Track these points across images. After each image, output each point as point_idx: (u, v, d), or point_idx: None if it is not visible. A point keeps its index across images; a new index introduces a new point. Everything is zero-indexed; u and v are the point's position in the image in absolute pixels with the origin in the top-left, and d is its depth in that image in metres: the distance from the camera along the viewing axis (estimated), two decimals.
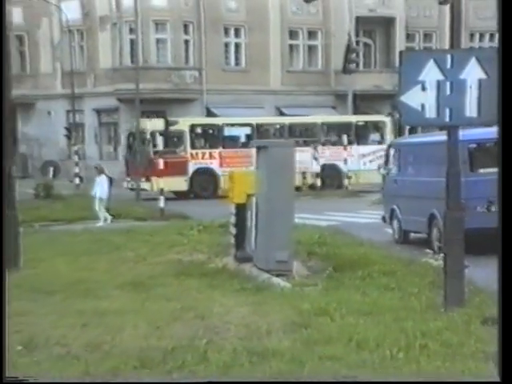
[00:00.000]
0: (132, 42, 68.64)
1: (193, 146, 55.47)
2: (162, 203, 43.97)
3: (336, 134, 56.58)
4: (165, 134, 53.72)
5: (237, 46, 72.03)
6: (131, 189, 55.99)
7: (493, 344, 10.29)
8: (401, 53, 18.86)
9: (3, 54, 28.07)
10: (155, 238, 30.19)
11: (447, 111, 16.50)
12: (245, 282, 21.09)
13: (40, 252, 26.03)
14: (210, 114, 69.00)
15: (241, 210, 23.42)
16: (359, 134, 58.80)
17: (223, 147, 55.71)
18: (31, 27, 75.09)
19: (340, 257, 23.39)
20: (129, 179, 57.30)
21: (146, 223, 37.52)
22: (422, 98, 16.61)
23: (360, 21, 72.14)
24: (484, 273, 17.78)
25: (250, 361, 12.95)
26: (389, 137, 58.63)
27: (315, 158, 53.72)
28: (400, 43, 73.32)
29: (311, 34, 73.22)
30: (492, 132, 17.59)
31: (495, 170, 18.86)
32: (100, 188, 41.77)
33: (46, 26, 76.74)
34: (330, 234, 28.88)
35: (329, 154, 55.84)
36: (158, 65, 68.45)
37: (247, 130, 58.44)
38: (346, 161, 54.11)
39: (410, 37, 73.11)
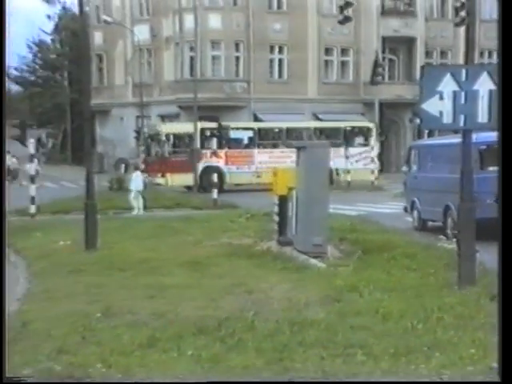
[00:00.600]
0: (191, 59, 68.67)
1: (202, 147, 53.87)
2: (215, 194, 43.81)
3: (326, 137, 55.26)
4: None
5: (280, 61, 71.87)
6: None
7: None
8: (422, 67, 19.08)
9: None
10: (210, 225, 30.30)
11: (462, 117, 16.68)
12: (286, 262, 21.11)
13: (113, 235, 26.19)
14: (256, 119, 68.91)
15: (283, 201, 23.52)
16: (347, 138, 57.59)
17: (229, 148, 55.03)
18: (109, 47, 75.62)
19: (368, 241, 23.40)
20: (146, 175, 53.77)
21: (201, 212, 37.38)
22: (440, 106, 16.80)
23: (386, 40, 71.89)
24: (492, 257, 17.73)
25: (291, 330, 13.06)
26: (373, 141, 58.99)
27: None
28: (420, 59, 73.01)
29: (344, 52, 73.05)
30: (494, 136, 18.12)
31: (497, 168, 19.23)
32: (135, 182, 41.80)
33: (121, 46, 77.13)
34: (359, 222, 28.91)
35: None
36: (212, 77, 68.40)
37: (250, 134, 58.07)
38: (334, 161, 53.28)
39: (428, 54, 72.70)
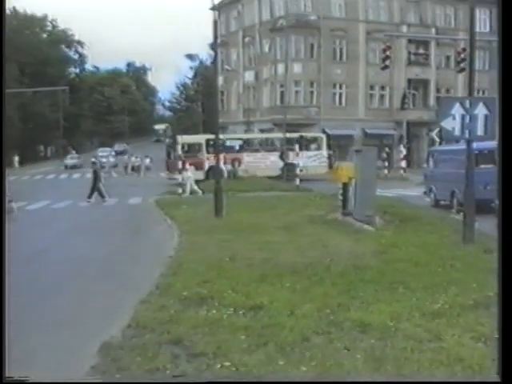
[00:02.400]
0: (281, 92, 68.56)
1: (207, 152, 51.63)
2: (297, 182, 43.65)
3: (293, 144, 53.75)
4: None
5: (340, 94, 71.27)
6: (169, 178, 53.30)
7: (491, 264, 10.03)
8: (442, 98, 19.23)
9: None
10: (295, 202, 30.21)
11: (467, 131, 17.22)
12: (348, 227, 21.14)
13: (232, 208, 26.23)
14: (324, 132, 68.24)
15: (345, 186, 23.53)
16: (307, 144, 55.73)
17: (225, 153, 49.84)
18: (228, 86, 75.90)
19: (402, 214, 23.23)
20: (167, 172, 55.35)
21: (288, 193, 37.12)
22: (452, 124, 16.98)
23: (410, 81, 71.09)
24: (485, 224, 17.68)
25: (355, 271, 13.04)
26: (324, 146, 57.16)
27: (282, 159, 52.70)
28: (433, 94, 72.36)
29: (382, 88, 72.27)
30: (489, 144, 18.49)
31: (489, 166, 19.04)
32: (189, 172, 42.16)
33: (235, 85, 77.38)
34: (395, 201, 28.77)
35: (289, 156, 52.20)
36: (295, 104, 68.06)
37: (240, 142, 56.14)
38: (299, 160, 52.41)
39: (438, 90, 71.60)
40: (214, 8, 36.25)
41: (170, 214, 27.21)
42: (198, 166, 49.85)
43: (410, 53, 72.60)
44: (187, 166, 43.74)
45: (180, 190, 39.86)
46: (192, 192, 39.86)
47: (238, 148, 55.02)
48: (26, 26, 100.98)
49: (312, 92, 70.15)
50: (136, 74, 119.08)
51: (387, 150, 58.30)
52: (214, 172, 45.88)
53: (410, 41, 71.82)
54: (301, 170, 49.60)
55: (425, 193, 31.40)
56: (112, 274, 15.13)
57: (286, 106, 63.17)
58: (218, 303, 10.48)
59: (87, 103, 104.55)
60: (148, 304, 10.88)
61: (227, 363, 7.62)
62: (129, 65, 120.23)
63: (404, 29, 71.50)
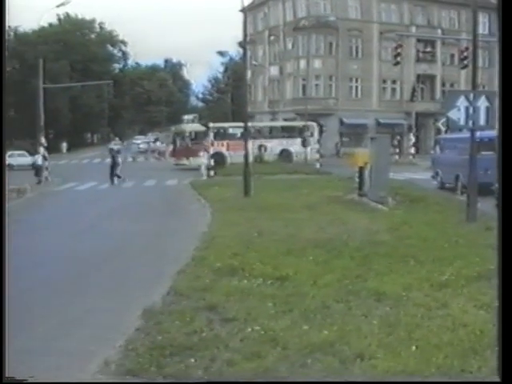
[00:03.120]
0: (303, 86, 68.57)
1: (214, 138, 49.76)
2: (318, 165, 43.52)
3: (286, 132, 53.48)
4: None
5: (356, 87, 71.16)
6: (176, 164, 52.07)
7: (491, 239, 10.02)
8: (448, 92, 19.17)
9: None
10: (316, 184, 30.12)
11: (470, 122, 17.12)
12: (363, 206, 21.09)
13: (259, 189, 26.19)
14: (342, 122, 68.63)
15: (361, 170, 23.42)
16: (300, 132, 53.22)
17: (229, 139, 50.96)
18: (255, 79, 75.53)
19: (412, 195, 23.11)
20: (174, 158, 53.51)
21: (310, 176, 36.93)
22: (458, 115, 16.84)
23: (419, 76, 70.71)
24: (485, 204, 17.54)
25: (370, 246, 12.96)
26: (316, 134, 54.27)
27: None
28: (438, 88, 71.98)
29: (394, 82, 71.94)
30: (489, 133, 18.35)
31: (490, 152, 18.90)
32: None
33: (261, 78, 77.24)
34: (406, 184, 28.63)
35: (285, 143, 52.29)
36: (315, 96, 67.85)
37: (241, 130, 48.39)
38: (293, 146, 51.64)
39: (443, 85, 71.15)
40: (242, 10, 36.06)
41: (203, 194, 27.25)
42: (197, 153, 48.12)
43: (418, 51, 72.30)
44: (201, 152, 43.88)
45: (204, 173, 40.01)
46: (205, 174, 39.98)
47: (239, 135, 50.99)
48: (77, 28, 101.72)
49: (331, 85, 70.02)
50: (173, 69, 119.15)
51: (398, 137, 58.05)
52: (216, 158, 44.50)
53: (418, 40, 71.49)
54: (296, 156, 50.31)
55: (432, 177, 31.18)
56: (152, 247, 15.17)
57: (307, 98, 63.21)
58: (249, 274, 10.45)
59: (129, 95, 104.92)
60: (185, 274, 10.89)
61: (257, 327, 7.61)
62: (166, 61, 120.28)
63: (413, 29, 71.21)
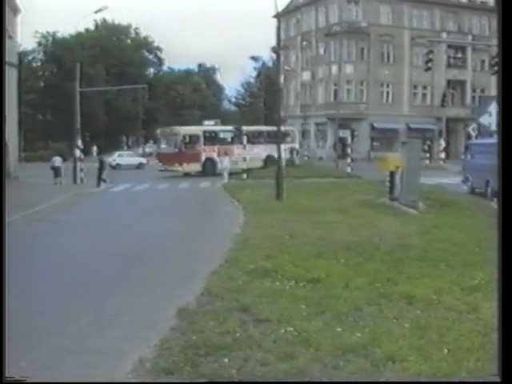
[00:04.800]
0: (335, 90, 68.50)
1: (204, 144, 46.65)
2: (349, 169, 43.22)
3: (271, 137, 46.02)
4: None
5: (387, 92, 70.97)
6: (160, 170, 47.02)
7: None
8: (480, 97, 19.00)
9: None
10: (347, 187, 30.02)
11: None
12: (394, 210, 20.98)
13: (290, 191, 26.09)
14: (373, 127, 68.39)
15: (392, 174, 23.31)
16: (283, 137, 51.12)
17: (219, 145, 47.26)
18: (287, 84, 75.01)
19: (442, 199, 22.95)
20: (161, 163, 47.70)
21: (340, 179, 36.74)
22: (489, 120, 16.72)
23: (450, 82, 70.37)
24: None
25: (401, 250, 12.90)
26: (297, 139, 54.40)
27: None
28: (469, 93, 71.60)
29: (424, 87, 71.63)
30: None
31: None
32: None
33: (294, 83, 77.21)
34: (436, 188, 28.46)
35: (269, 148, 45.63)
36: (347, 101, 67.70)
37: (231, 134, 49.18)
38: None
39: (473, 90, 70.75)
40: (276, 15, 36.12)
41: (236, 196, 27.28)
42: (196, 159, 46.04)
43: (449, 57, 71.95)
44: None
45: (226, 176, 39.87)
46: (226, 178, 39.80)
47: (229, 140, 48.94)
48: (113, 33, 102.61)
49: (362, 90, 69.94)
50: (206, 74, 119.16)
51: (428, 142, 57.59)
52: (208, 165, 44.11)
53: (449, 46, 71.11)
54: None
55: (462, 181, 30.92)
56: (186, 247, 15.20)
57: (338, 103, 63.10)
58: (281, 276, 10.44)
59: (163, 99, 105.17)
60: (218, 275, 10.89)
61: (290, 328, 7.60)
62: (200, 66, 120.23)
63: (444, 35, 70.86)
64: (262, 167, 45.70)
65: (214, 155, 46.48)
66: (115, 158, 59.86)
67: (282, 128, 53.55)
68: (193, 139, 46.86)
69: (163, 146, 49.08)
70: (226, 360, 6.65)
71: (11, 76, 44.51)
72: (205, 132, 47.89)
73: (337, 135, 56.20)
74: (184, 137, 46.73)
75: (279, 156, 27.75)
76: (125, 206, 27.65)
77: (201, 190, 35.53)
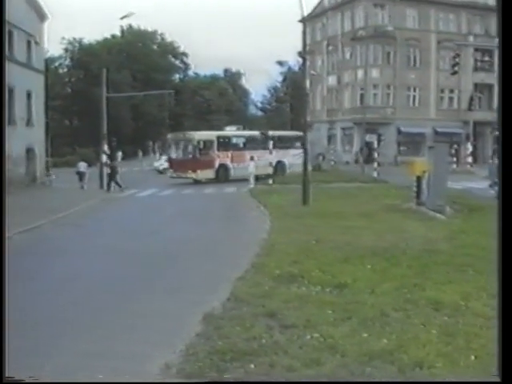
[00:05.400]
0: (361, 95, 68.23)
1: (218, 149, 44.63)
2: (375, 174, 43.01)
3: (282, 142, 47.07)
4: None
5: (414, 96, 70.48)
6: (172, 177, 44.92)
7: None
8: None
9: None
10: (373, 192, 29.85)
11: None
12: (421, 215, 20.78)
13: (317, 196, 26.01)
14: (399, 131, 68.08)
15: (419, 178, 23.16)
16: (291, 143, 47.74)
17: (233, 150, 45.57)
18: (313, 89, 74.67)
19: (469, 204, 22.80)
20: (172, 170, 45.47)
21: (367, 184, 36.50)
22: None
23: (477, 85, 69.68)
24: None
25: (428, 255, 12.82)
26: (307, 144, 50.81)
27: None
28: (496, 97, 71.05)
29: (451, 91, 70.94)
30: None
31: None
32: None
33: (320, 88, 76.95)
34: (463, 193, 28.31)
35: (279, 154, 45.38)
36: (373, 105, 67.33)
37: (243, 140, 47.45)
38: (287, 158, 46.37)
39: None
40: (302, 20, 36.06)
41: (262, 201, 27.24)
42: (210, 165, 44.16)
43: (476, 60, 71.39)
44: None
45: (252, 181, 39.65)
46: (252, 182, 39.46)
47: (241, 145, 47.00)
48: (139, 39, 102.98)
49: (388, 94, 69.53)
50: (232, 79, 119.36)
51: (455, 146, 57.15)
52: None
53: (476, 49, 70.59)
54: (289, 169, 46.16)
55: (490, 186, 30.66)
56: (213, 253, 15.22)
57: (365, 107, 62.88)
58: (307, 281, 10.44)
59: (189, 104, 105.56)
60: (245, 280, 10.90)
61: (316, 334, 7.59)
62: (226, 71, 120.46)
63: (471, 38, 70.36)
64: (270, 174, 43.23)
65: (228, 161, 45.28)
66: (163, 162, 59.52)
67: (292, 133, 52.67)
68: (207, 145, 44.73)
69: (174, 151, 47.12)
70: (252, 366, 6.66)
71: (38, 82, 44.93)
72: (219, 137, 46.14)
73: (363, 140, 55.92)
74: (198, 142, 44.64)
75: (305, 161, 27.66)
76: (151, 212, 27.73)
77: (226, 195, 35.53)
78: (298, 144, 46.88)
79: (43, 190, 40.09)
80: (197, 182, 43.15)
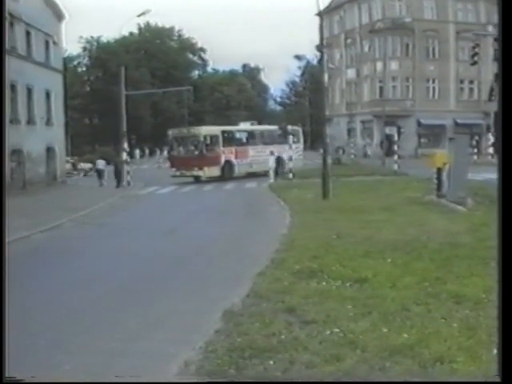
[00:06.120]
0: (380, 87, 67.98)
1: (224, 145, 42.60)
2: (395, 167, 42.78)
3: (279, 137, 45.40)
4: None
5: (433, 88, 70.07)
6: (174, 176, 42.49)
7: None
8: None
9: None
10: (393, 185, 29.73)
11: None
12: (442, 207, 20.64)
13: (337, 190, 25.94)
14: (419, 124, 67.75)
15: (439, 171, 23.03)
16: (288, 137, 42.60)
17: (236, 145, 43.78)
18: (332, 82, 74.14)
19: (490, 195, 22.47)
20: (175, 168, 42.80)
21: (387, 177, 36.39)
22: None
23: (497, 75, 68.99)
24: None
25: (450, 248, 12.71)
26: (301, 139, 49.81)
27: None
28: None
29: (471, 82, 70.48)
30: None
31: None
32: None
33: (339, 81, 76.83)
34: (485, 184, 28.04)
35: (279, 150, 43.68)
36: (392, 98, 67.09)
37: (246, 134, 45.64)
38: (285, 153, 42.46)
39: None
40: (319, 14, 35.93)
41: (282, 196, 27.23)
42: (217, 161, 42.13)
43: (495, 50, 70.73)
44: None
45: (272, 176, 39.66)
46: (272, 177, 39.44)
47: (244, 140, 45.32)
48: (157, 36, 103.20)
49: (408, 86, 69.26)
50: (251, 74, 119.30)
51: (476, 138, 56.81)
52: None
53: (495, 39, 69.82)
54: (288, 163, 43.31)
55: None
56: (233, 248, 15.22)
57: (384, 100, 62.72)
58: (327, 276, 10.37)
59: (208, 100, 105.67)
60: (264, 276, 10.86)
61: (336, 330, 7.53)
62: (244, 66, 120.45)
63: (490, 28, 69.55)
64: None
65: (232, 158, 43.40)
66: None
67: (292, 127, 50.41)
68: (212, 140, 42.46)
69: (176, 148, 44.56)
70: (271, 362, 6.61)
71: (57, 82, 45.12)
72: (223, 132, 44.07)
73: (383, 132, 55.73)
74: (205, 138, 42.24)
75: (324, 155, 27.56)
76: (171, 208, 27.79)
77: (246, 190, 35.53)
78: (295, 139, 46.23)
79: (63, 189, 40.28)
80: (198, 181, 41.57)
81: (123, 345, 7.83)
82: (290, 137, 41.58)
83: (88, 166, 56.44)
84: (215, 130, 44.74)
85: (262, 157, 43.25)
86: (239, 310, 8.72)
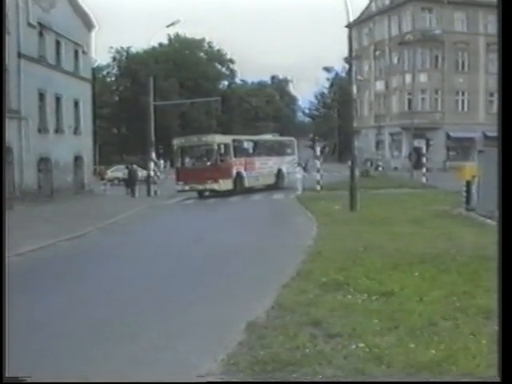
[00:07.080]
0: (409, 100, 67.75)
1: (235, 155, 39.57)
2: (424, 179, 42.43)
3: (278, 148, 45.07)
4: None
5: (462, 100, 69.86)
6: (181, 190, 39.01)
7: None
8: None
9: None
10: (422, 198, 29.59)
11: None
12: (471, 221, 20.48)
13: (364, 202, 25.80)
14: (448, 136, 67.38)
15: (468, 183, 22.81)
16: (283, 149, 45.50)
17: (246, 156, 41.06)
18: (361, 94, 73.90)
19: None
20: (181, 183, 39.01)
21: (415, 190, 36.28)
22: None
23: None
24: None
25: (479, 261, 12.28)
26: (296, 151, 47.35)
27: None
28: None
29: (490, 95, 70.10)
30: None
31: None
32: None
33: (367, 93, 76.93)
34: None
35: (279, 162, 43.57)
36: (421, 110, 66.96)
37: (252, 144, 43.05)
38: (285, 166, 43.52)
39: None
40: (348, 25, 35.86)
41: (310, 208, 27.11)
42: (229, 173, 38.93)
43: None
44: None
45: (300, 187, 39.42)
46: (300, 189, 39.16)
47: (251, 150, 42.72)
48: (186, 47, 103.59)
49: (437, 99, 69.03)
50: (279, 86, 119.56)
51: None
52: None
53: None
54: (286, 178, 43.51)
55: None
56: (259, 260, 15.08)
57: (413, 112, 62.46)
58: (354, 289, 10.20)
59: (237, 111, 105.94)
60: (290, 288, 10.71)
61: (361, 344, 7.36)
62: (273, 78, 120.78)
63: None
64: (272, 184, 42.45)
65: (242, 169, 40.32)
66: None
67: (284, 138, 50.73)
68: (226, 150, 39.06)
69: (182, 160, 40.88)
70: (295, 376, 6.47)
71: (85, 91, 45.41)
72: (234, 141, 40.91)
73: (412, 145, 55.45)
74: (219, 147, 38.80)
75: (352, 167, 27.37)
76: (198, 218, 27.78)
77: (274, 201, 35.42)
78: (289, 150, 46.25)
79: (91, 198, 40.46)
80: (201, 196, 39.32)
81: (146, 354, 7.74)
82: (318, 148, 41.66)
83: (117, 174, 56.66)
84: (227, 138, 41.51)
85: (265, 169, 42.09)
86: (263, 322, 8.58)
